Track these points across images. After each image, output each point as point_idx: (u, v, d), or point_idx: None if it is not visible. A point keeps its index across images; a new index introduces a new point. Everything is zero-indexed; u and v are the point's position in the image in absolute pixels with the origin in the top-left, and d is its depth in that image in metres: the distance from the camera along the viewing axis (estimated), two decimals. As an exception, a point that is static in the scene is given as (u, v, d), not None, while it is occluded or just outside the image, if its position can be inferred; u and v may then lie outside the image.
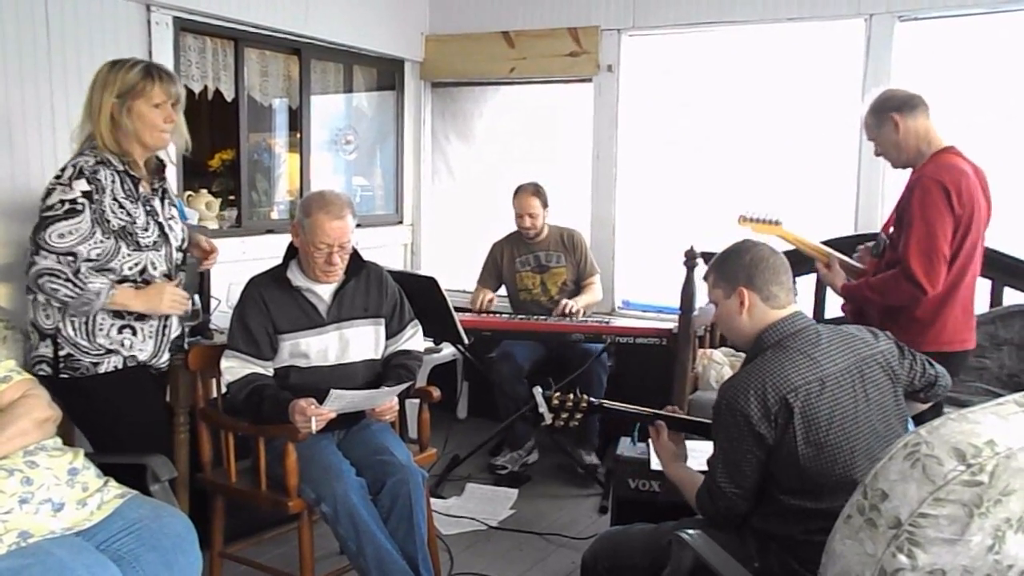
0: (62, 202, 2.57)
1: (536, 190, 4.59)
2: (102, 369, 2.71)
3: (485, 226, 5.45)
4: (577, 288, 4.65)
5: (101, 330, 2.70)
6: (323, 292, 3.03)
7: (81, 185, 2.58)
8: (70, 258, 2.57)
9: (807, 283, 4.17)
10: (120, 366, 2.74)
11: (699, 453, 2.49)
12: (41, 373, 2.66)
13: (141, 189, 2.74)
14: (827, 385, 2.14)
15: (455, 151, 5.75)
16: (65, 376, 2.68)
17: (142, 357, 2.78)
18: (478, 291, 4.67)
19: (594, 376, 4.32)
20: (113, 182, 2.66)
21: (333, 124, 5.43)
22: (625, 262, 5.11)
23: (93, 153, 2.65)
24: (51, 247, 2.55)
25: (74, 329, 2.67)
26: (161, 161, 2.89)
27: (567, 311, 4.36)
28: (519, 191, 4.61)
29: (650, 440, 2.58)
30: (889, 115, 3.08)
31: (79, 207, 2.57)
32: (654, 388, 4.20)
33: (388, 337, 3.17)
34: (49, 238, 2.54)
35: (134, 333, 2.76)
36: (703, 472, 2.28)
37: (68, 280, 2.56)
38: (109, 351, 2.72)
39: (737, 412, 2.11)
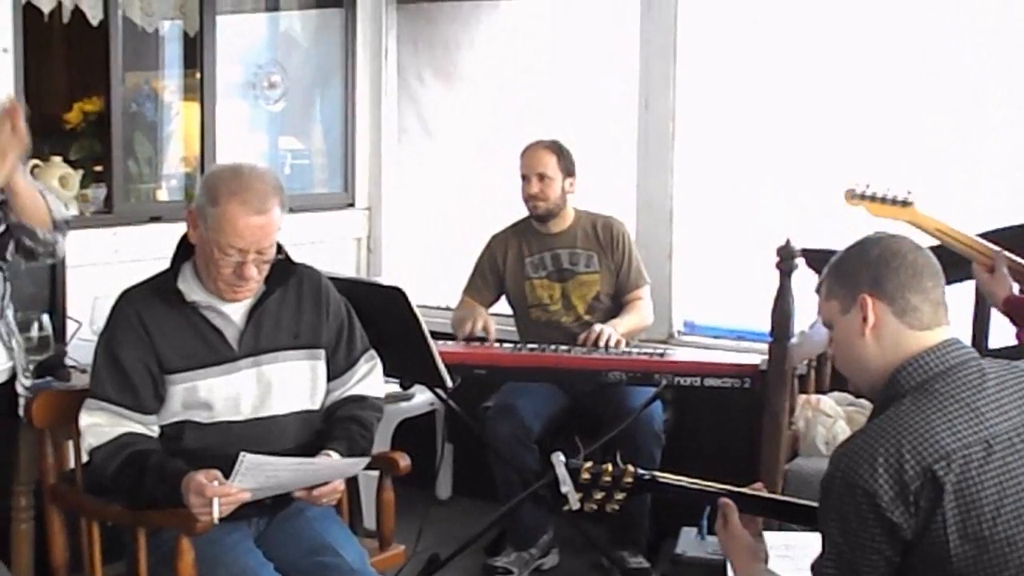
0: None
1: (555, 147, 4.59)
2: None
3: (477, 211, 5.44)
4: (616, 305, 4.64)
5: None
6: (233, 311, 3.03)
7: None
8: None
9: (960, 296, 4.15)
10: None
11: (796, 551, 2.47)
12: None
13: None
14: (995, 450, 2.13)
15: (432, 98, 5.76)
16: None
17: None
18: (467, 306, 4.66)
19: (642, 437, 4.30)
20: None
21: (250, 59, 5.44)
22: (688, 265, 5.11)
23: None
24: None
25: None
26: None
27: (601, 341, 4.34)
28: (528, 147, 4.61)
29: (716, 530, 2.57)
30: None
31: None
32: (732, 454, 4.17)
33: (331, 377, 3.17)
34: None
35: None
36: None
37: None
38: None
39: (858, 490, 2.10)
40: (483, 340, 4.48)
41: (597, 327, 4.38)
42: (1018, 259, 3.31)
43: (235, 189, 2.89)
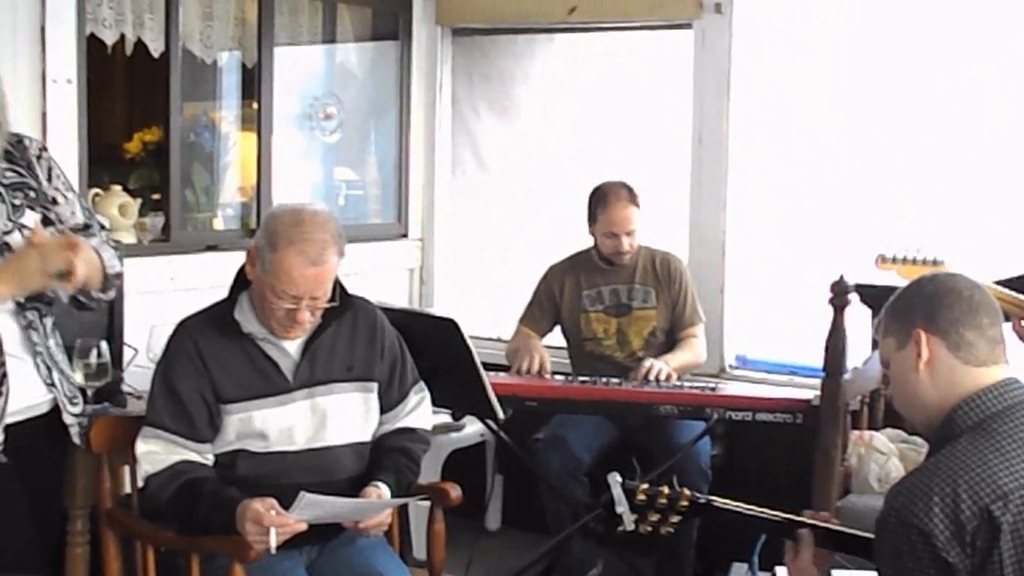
0: None
1: (633, 198, 4.56)
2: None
3: (530, 243, 5.45)
4: (669, 341, 4.61)
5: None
6: (288, 343, 3.05)
7: None
8: None
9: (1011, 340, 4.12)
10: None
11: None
12: None
13: None
14: (1053, 491, 2.10)
15: (487, 131, 5.78)
16: None
17: None
18: (522, 336, 4.66)
19: (689, 474, 4.26)
20: None
21: (306, 90, 5.49)
22: (740, 300, 5.09)
23: None
24: None
25: None
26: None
27: (651, 375, 4.32)
28: (606, 196, 4.55)
29: (786, 563, 2.55)
30: None
31: None
32: (783, 490, 4.14)
33: (383, 410, 3.18)
34: None
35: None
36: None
37: None
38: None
39: (913, 530, 2.08)
40: (554, 374, 4.47)
41: (648, 361, 4.37)
42: None
43: (294, 238, 2.89)
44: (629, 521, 2.59)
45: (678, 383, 4.33)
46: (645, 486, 2.60)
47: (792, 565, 2.51)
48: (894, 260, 3.34)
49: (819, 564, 2.49)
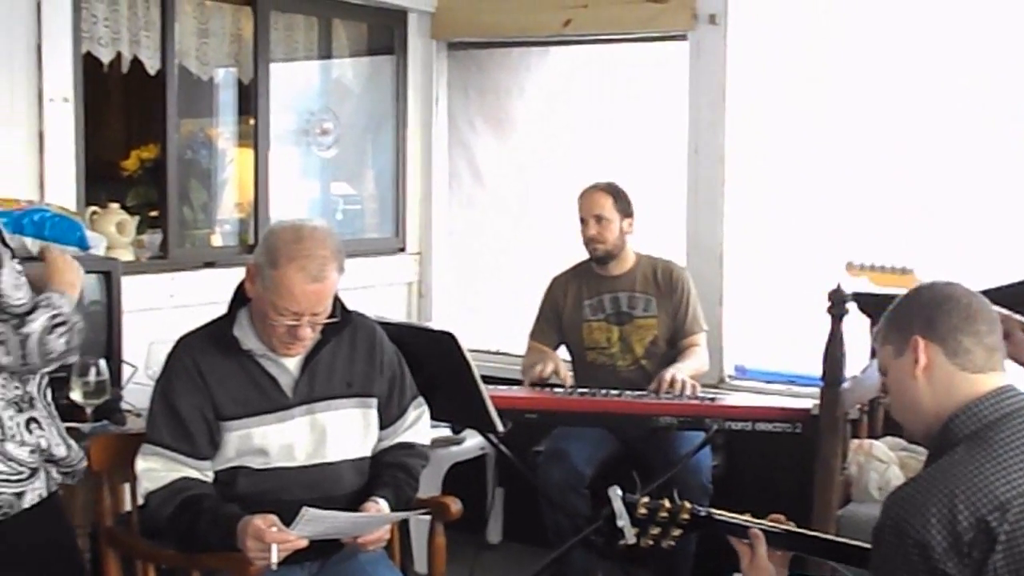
0: None
1: (611, 188, 4.59)
2: (28, 501, 2.71)
3: (527, 256, 5.45)
4: (671, 349, 4.61)
5: (11, 433, 2.71)
6: (288, 360, 3.06)
7: None
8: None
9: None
10: (45, 493, 2.74)
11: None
12: None
13: None
14: (1051, 500, 2.10)
15: (483, 144, 5.79)
16: None
17: (59, 453, 2.79)
18: (535, 352, 4.65)
19: (689, 489, 4.24)
20: None
21: (303, 106, 5.50)
22: (738, 309, 5.10)
23: None
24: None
25: None
26: None
27: (676, 388, 4.29)
28: (585, 190, 4.62)
29: (742, 568, 2.55)
30: None
31: None
32: (783, 499, 4.14)
33: (383, 426, 3.19)
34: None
35: (40, 426, 2.77)
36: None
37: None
38: (30, 468, 2.72)
39: (909, 539, 2.08)
40: (552, 386, 4.47)
41: (668, 372, 4.33)
42: None
43: (294, 254, 2.89)
44: (630, 535, 2.59)
45: (677, 393, 4.31)
46: (646, 500, 2.61)
47: (745, 566, 2.52)
48: (862, 267, 3.37)
49: (776, 562, 2.51)
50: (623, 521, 2.59)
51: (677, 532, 2.61)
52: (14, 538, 2.66)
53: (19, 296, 2.62)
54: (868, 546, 2.30)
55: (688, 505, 2.61)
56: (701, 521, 2.62)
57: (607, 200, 4.56)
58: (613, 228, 4.57)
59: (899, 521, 2.11)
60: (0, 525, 2.64)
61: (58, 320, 2.67)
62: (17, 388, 2.71)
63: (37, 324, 2.62)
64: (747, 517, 2.63)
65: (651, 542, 2.61)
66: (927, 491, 2.11)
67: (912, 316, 2.30)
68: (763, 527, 2.57)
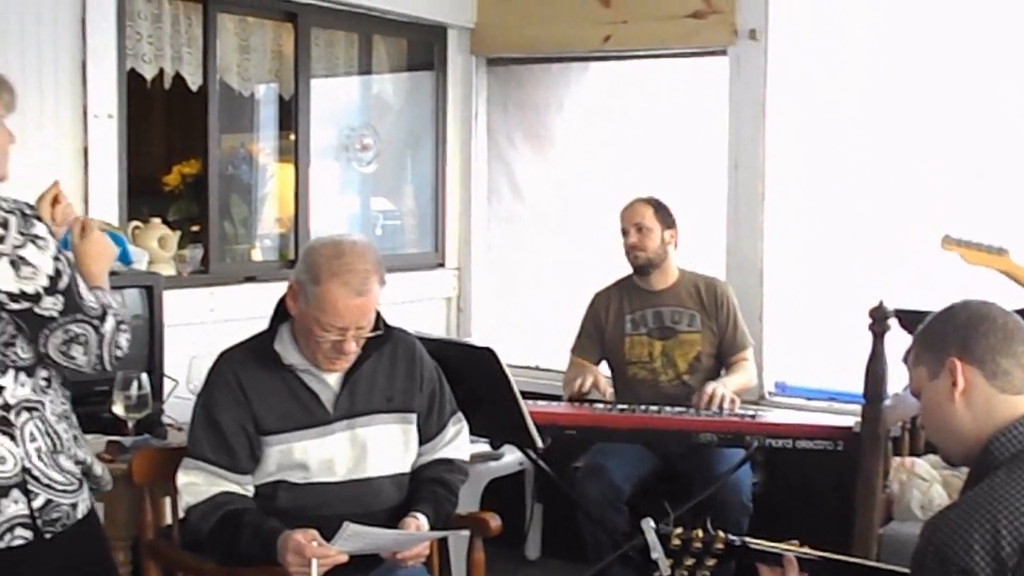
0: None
1: (652, 200, 4.60)
2: (80, 512, 2.66)
3: (566, 271, 5.45)
4: (716, 365, 4.60)
5: (66, 445, 2.66)
6: (329, 375, 3.07)
7: None
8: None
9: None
10: (90, 505, 2.72)
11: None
12: (19, 542, 2.56)
13: None
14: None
15: (522, 160, 5.80)
16: (49, 535, 2.59)
17: (97, 471, 2.76)
18: (576, 367, 4.64)
19: (730, 507, 4.23)
20: None
21: (343, 121, 5.53)
22: (779, 326, 5.08)
23: None
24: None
25: (39, 455, 2.60)
26: None
27: (715, 403, 4.27)
28: (627, 203, 4.64)
29: None
30: None
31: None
32: (824, 518, 4.12)
33: (422, 441, 3.20)
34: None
35: (78, 442, 2.72)
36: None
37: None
38: (79, 480, 2.67)
39: (951, 565, 2.05)
40: (593, 401, 4.46)
41: (710, 386, 4.33)
42: None
43: (336, 270, 2.90)
44: (665, 567, 2.58)
45: (716, 410, 4.30)
46: (679, 531, 2.59)
47: None
48: (959, 242, 3.32)
49: None
50: (657, 553, 2.58)
51: (711, 562, 2.60)
52: (66, 550, 2.67)
53: (91, 299, 2.64)
54: (906, 571, 2.28)
55: (722, 535, 2.60)
56: (735, 551, 2.61)
57: (647, 210, 4.58)
58: (654, 237, 4.57)
59: (941, 547, 2.08)
60: (58, 537, 2.65)
61: (120, 318, 2.69)
62: (64, 403, 2.72)
63: (109, 324, 2.64)
64: (785, 545, 2.61)
65: (685, 573, 2.60)
66: (969, 516, 2.09)
67: (947, 337, 2.26)
68: (799, 554, 2.56)
